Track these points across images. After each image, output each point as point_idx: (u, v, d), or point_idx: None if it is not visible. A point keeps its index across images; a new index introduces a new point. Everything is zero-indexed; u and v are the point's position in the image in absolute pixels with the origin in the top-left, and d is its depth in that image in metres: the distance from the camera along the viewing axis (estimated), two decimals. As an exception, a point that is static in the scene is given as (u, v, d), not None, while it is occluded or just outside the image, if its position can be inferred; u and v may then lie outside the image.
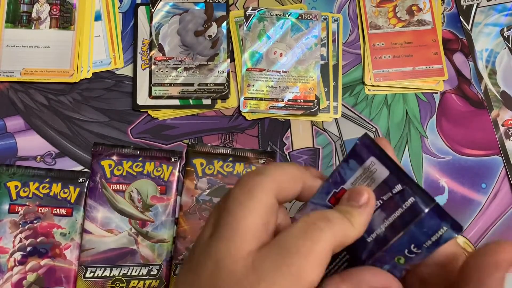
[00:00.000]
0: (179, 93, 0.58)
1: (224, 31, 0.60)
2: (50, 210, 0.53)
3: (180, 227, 0.54)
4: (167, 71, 0.59)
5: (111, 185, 0.54)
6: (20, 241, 0.53)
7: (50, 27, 0.59)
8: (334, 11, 0.63)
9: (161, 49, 0.59)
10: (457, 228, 0.27)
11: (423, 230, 0.27)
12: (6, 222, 0.53)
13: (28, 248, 0.53)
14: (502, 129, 0.60)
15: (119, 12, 0.61)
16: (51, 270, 0.53)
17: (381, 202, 0.28)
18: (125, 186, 0.55)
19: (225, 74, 0.59)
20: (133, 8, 0.62)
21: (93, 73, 0.60)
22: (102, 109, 0.59)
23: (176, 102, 0.59)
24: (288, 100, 0.59)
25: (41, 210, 0.53)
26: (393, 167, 0.28)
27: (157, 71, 0.59)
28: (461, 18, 0.64)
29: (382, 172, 0.28)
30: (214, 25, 0.60)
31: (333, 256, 0.27)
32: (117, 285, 0.53)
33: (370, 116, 0.61)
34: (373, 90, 0.61)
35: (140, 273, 0.53)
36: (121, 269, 0.53)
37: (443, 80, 0.61)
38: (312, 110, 0.59)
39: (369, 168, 0.29)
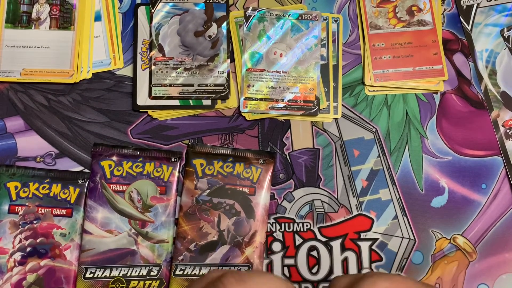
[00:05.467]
0: (179, 93, 0.58)
1: (224, 31, 0.60)
2: (50, 210, 0.53)
3: (180, 228, 0.54)
4: (167, 72, 0.59)
5: (111, 185, 0.54)
6: (20, 241, 0.53)
7: (50, 27, 0.59)
8: (334, 11, 0.63)
9: (161, 49, 0.59)
10: None
11: None
12: (6, 222, 0.53)
13: (28, 249, 0.53)
14: (502, 129, 0.60)
15: (119, 13, 0.61)
16: (51, 270, 0.53)
17: None
18: (125, 186, 0.55)
19: (225, 75, 0.59)
20: (133, 8, 0.62)
21: (93, 74, 0.60)
22: (102, 110, 0.59)
23: (176, 102, 0.59)
24: (288, 101, 0.59)
25: (41, 210, 0.53)
26: None
27: (157, 72, 0.59)
28: (461, 19, 0.64)
29: None
30: (214, 25, 0.60)
31: None
32: (117, 285, 0.53)
33: (370, 116, 0.61)
34: (373, 91, 0.61)
35: (140, 274, 0.53)
36: (121, 269, 0.53)
37: (443, 81, 0.61)
38: (312, 111, 0.59)
39: None
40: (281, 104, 0.59)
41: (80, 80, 0.59)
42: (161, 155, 0.56)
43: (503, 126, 0.60)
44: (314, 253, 0.57)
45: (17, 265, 0.52)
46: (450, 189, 0.59)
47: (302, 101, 0.59)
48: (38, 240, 0.53)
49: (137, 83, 0.59)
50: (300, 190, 0.58)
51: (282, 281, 0.29)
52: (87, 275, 0.53)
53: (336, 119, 0.60)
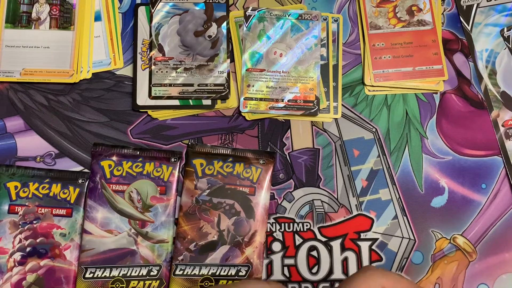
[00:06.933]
0: (179, 93, 0.58)
1: (224, 31, 0.60)
2: (49, 210, 0.53)
3: (180, 228, 0.54)
4: (167, 72, 0.59)
5: (111, 185, 0.54)
6: (20, 241, 0.53)
7: (50, 27, 0.59)
8: (334, 11, 0.63)
9: (161, 49, 0.59)
10: None
11: None
12: (6, 222, 0.53)
13: (28, 249, 0.53)
14: (502, 129, 0.60)
15: (119, 12, 0.61)
16: (50, 270, 0.53)
17: None
18: (124, 186, 0.55)
19: (225, 75, 0.59)
20: (133, 8, 0.62)
21: (93, 74, 0.60)
22: (102, 110, 0.59)
23: (176, 102, 0.59)
24: (288, 101, 0.59)
25: (40, 210, 0.53)
26: None
27: (157, 72, 0.59)
28: (461, 19, 0.64)
29: None
30: (214, 25, 0.60)
31: None
32: (117, 285, 0.53)
33: (370, 116, 0.61)
34: (373, 91, 0.61)
35: (140, 274, 0.53)
36: (121, 269, 0.53)
37: (443, 81, 0.61)
38: (312, 111, 0.59)
39: None
40: (281, 104, 0.59)
41: (80, 80, 0.59)
42: (161, 155, 0.56)
43: (503, 126, 0.60)
44: (314, 253, 0.57)
45: (17, 265, 0.52)
46: (450, 189, 0.59)
47: (302, 101, 0.59)
48: (38, 240, 0.53)
49: (137, 83, 0.59)
50: (300, 190, 0.58)
51: (266, 284, 0.30)
52: (87, 275, 0.53)
53: (336, 119, 0.60)
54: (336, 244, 0.57)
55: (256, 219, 0.55)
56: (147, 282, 0.53)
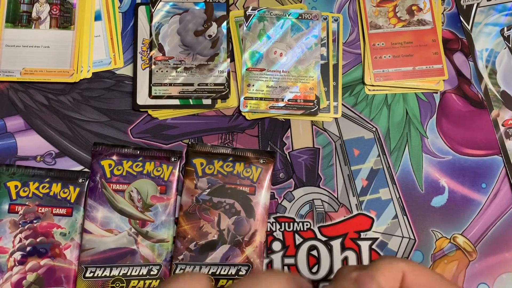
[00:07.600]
0: (179, 93, 0.58)
1: (224, 31, 0.60)
2: (50, 210, 0.53)
3: (180, 227, 0.54)
4: (167, 71, 0.59)
5: (111, 184, 0.54)
6: (20, 241, 0.53)
7: (50, 27, 0.59)
8: (334, 11, 0.63)
9: (161, 49, 0.59)
10: None
11: None
12: (6, 222, 0.53)
13: (28, 248, 0.53)
14: (502, 129, 0.60)
15: (119, 12, 0.61)
16: (51, 270, 0.53)
17: None
18: (125, 186, 0.55)
19: (225, 74, 0.59)
20: (133, 8, 0.62)
21: (93, 73, 0.60)
22: (102, 109, 0.59)
23: (176, 102, 0.59)
24: (288, 100, 0.59)
25: (41, 210, 0.53)
26: None
27: (157, 71, 0.59)
28: (461, 18, 0.64)
29: None
30: (214, 25, 0.60)
31: None
32: (117, 285, 0.53)
33: (370, 116, 0.61)
34: (373, 90, 0.61)
35: (140, 273, 0.53)
36: (121, 269, 0.53)
37: (443, 80, 0.61)
38: (312, 110, 0.59)
39: None
40: (281, 104, 0.59)
41: (80, 80, 0.59)
42: (161, 155, 0.56)
43: (503, 125, 0.60)
44: (314, 252, 0.57)
45: (17, 264, 0.52)
46: (450, 189, 0.59)
47: (302, 100, 0.59)
48: (38, 240, 0.53)
49: (137, 82, 0.59)
50: (300, 189, 0.58)
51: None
52: (87, 275, 0.53)
53: (336, 119, 0.60)
54: (336, 244, 0.57)
55: (256, 219, 0.55)
56: (147, 282, 0.53)
